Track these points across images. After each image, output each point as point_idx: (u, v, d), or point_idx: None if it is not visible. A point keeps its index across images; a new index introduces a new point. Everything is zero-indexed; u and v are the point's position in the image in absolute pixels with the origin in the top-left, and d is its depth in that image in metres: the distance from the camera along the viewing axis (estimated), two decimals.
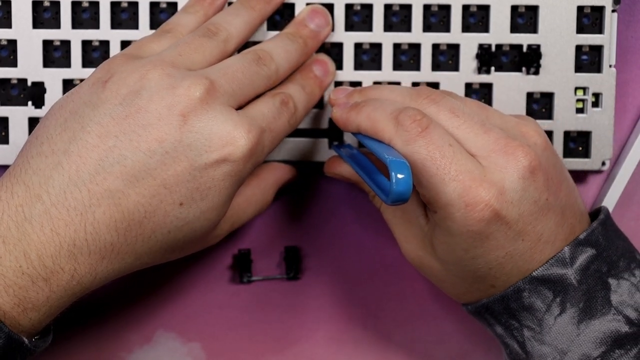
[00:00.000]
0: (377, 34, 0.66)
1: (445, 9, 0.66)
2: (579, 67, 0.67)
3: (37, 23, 0.66)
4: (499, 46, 0.67)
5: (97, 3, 0.66)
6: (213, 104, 0.56)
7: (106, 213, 0.54)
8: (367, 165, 0.61)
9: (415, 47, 0.67)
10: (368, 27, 0.67)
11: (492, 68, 0.67)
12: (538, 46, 0.66)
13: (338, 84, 0.66)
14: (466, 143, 0.57)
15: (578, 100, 0.67)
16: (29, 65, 0.66)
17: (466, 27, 0.67)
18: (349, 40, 0.66)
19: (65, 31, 0.66)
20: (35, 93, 0.66)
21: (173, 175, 0.55)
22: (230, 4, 0.65)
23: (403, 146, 0.57)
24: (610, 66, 0.67)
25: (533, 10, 0.67)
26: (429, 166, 0.56)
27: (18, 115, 0.66)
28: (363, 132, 0.59)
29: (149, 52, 0.60)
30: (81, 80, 0.66)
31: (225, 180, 0.56)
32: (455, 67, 0.67)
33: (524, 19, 0.67)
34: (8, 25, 0.66)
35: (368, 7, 0.66)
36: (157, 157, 0.55)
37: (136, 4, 0.66)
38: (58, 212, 0.54)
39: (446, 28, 0.67)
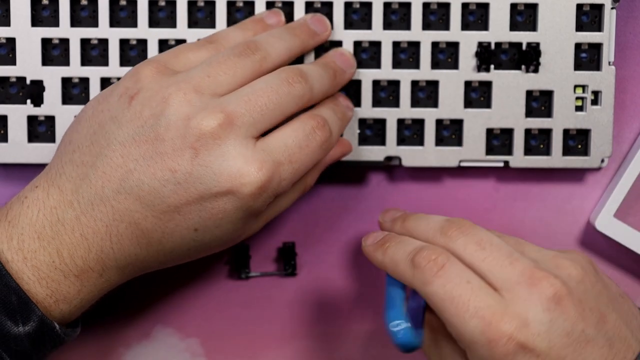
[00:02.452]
0: (377, 32, 0.66)
1: (445, 7, 0.66)
2: (578, 65, 0.67)
3: (36, 21, 0.66)
4: (498, 44, 0.67)
5: (96, 1, 0.65)
6: (226, 139, 0.56)
7: (128, 229, 0.57)
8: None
9: (415, 45, 0.67)
10: (367, 25, 0.66)
11: (492, 66, 0.66)
12: (537, 44, 0.66)
13: None
14: (490, 276, 0.56)
15: (577, 98, 0.67)
16: (28, 64, 0.66)
17: (465, 25, 0.67)
18: (348, 38, 0.66)
19: (64, 29, 0.66)
20: (34, 91, 0.66)
21: (185, 205, 0.56)
22: None
23: (421, 288, 0.56)
24: (609, 64, 0.67)
25: (532, 8, 0.67)
26: (447, 306, 0.55)
27: (17, 114, 0.66)
28: (388, 273, 0.59)
29: (184, 62, 0.60)
30: (80, 79, 0.66)
31: (237, 212, 0.57)
32: (454, 65, 0.67)
33: (523, 16, 0.67)
34: (7, 23, 0.65)
35: (367, 5, 0.66)
36: (170, 187, 0.56)
37: (135, 2, 0.66)
38: (87, 220, 0.56)
39: (445, 26, 0.67)
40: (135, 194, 0.56)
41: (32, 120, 0.66)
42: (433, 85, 0.67)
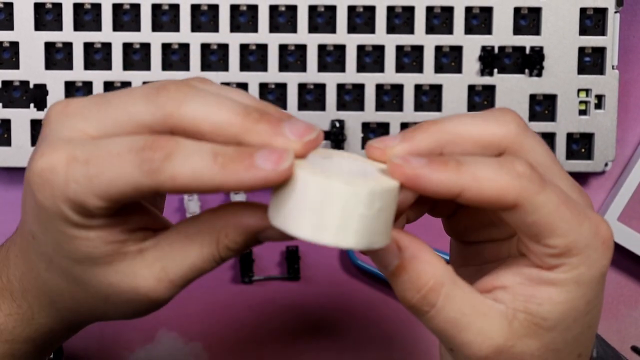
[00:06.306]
0: (380, 36, 0.66)
1: (448, 10, 0.66)
2: (582, 69, 0.67)
3: (39, 25, 0.66)
4: (501, 48, 0.67)
5: (99, 5, 0.66)
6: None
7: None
8: None
9: (418, 49, 0.67)
10: (371, 29, 0.66)
11: (495, 70, 0.67)
12: (541, 48, 0.66)
13: (340, 86, 0.66)
14: None
15: (581, 102, 0.67)
16: (31, 68, 0.66)
17: (469, 29, 0.67)
18: (351, 42, 0.66)
19: (67, 33, 0.66)
20: (37, 95, 0.66)
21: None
22: None
23: (533, 197, 0.45)
24: (612, 67, 0.67)
25: (536, 12, 0.67)
26: (563, 210, 0.45)
27: (20, 118, 0.66)
28: (465, 197, 0.44)
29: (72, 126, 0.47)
30: (83, 83, 0.66)
31: (31, 203, 0.47)
32: (458, 69, 0.67)
33: (527, 20, 0.67)
34: (10, 27, 0.66)
35: (371, 9, 0.66)
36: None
37: (138, 6, 0.66)
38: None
39: (449, 30, 0.67)
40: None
41: (35, 124, 0.66)
42: (436, 89, 0.67)
